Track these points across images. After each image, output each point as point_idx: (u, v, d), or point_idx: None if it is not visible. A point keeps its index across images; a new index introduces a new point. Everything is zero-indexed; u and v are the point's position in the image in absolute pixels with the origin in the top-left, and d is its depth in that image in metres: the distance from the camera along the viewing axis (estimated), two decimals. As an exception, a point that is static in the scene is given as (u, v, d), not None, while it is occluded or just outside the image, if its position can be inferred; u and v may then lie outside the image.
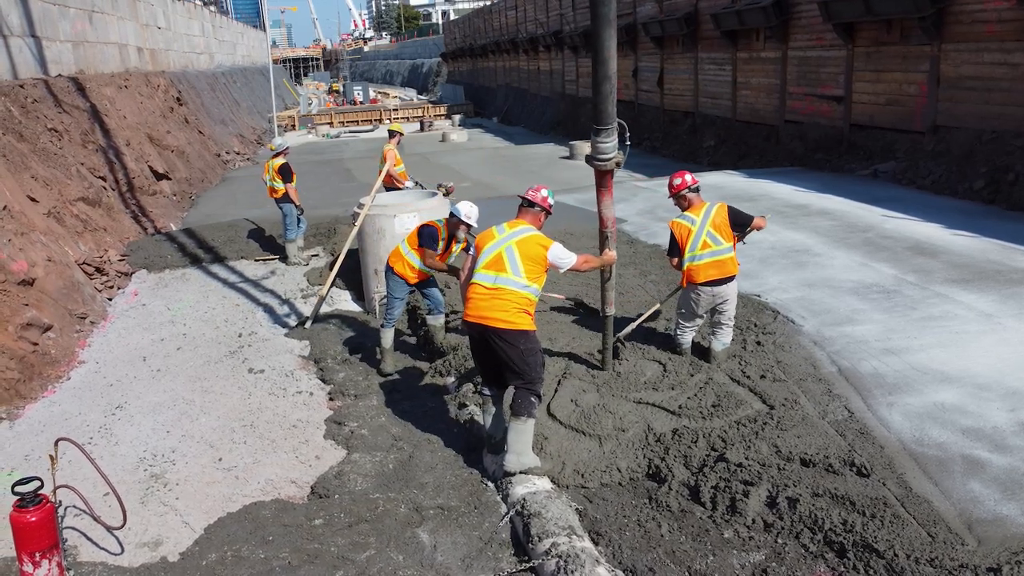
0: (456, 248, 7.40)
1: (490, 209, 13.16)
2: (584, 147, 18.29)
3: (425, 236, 7.18)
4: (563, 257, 5.23)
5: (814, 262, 8.95)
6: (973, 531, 4.11)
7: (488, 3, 51.41)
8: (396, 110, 43.29)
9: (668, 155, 21.88)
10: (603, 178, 5.79)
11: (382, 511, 5.05)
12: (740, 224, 6.30)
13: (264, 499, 5.38)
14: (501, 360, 5.14)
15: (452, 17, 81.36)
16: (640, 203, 13.24)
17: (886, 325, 6.89)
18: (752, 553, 4.26)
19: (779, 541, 4.29)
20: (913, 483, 4.54)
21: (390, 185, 11.51)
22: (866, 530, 4.11)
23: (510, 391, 5.22)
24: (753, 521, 4.46)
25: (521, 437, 5.08)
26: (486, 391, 5.47)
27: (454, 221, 7.01)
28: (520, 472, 5.09)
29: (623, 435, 5.46)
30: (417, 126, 37.90)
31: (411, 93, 67.79)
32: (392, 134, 12.02)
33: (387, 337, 7.46)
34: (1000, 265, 8.28)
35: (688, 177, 6.38)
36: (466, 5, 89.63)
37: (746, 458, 4.91)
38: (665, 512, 4.74)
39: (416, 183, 12.46)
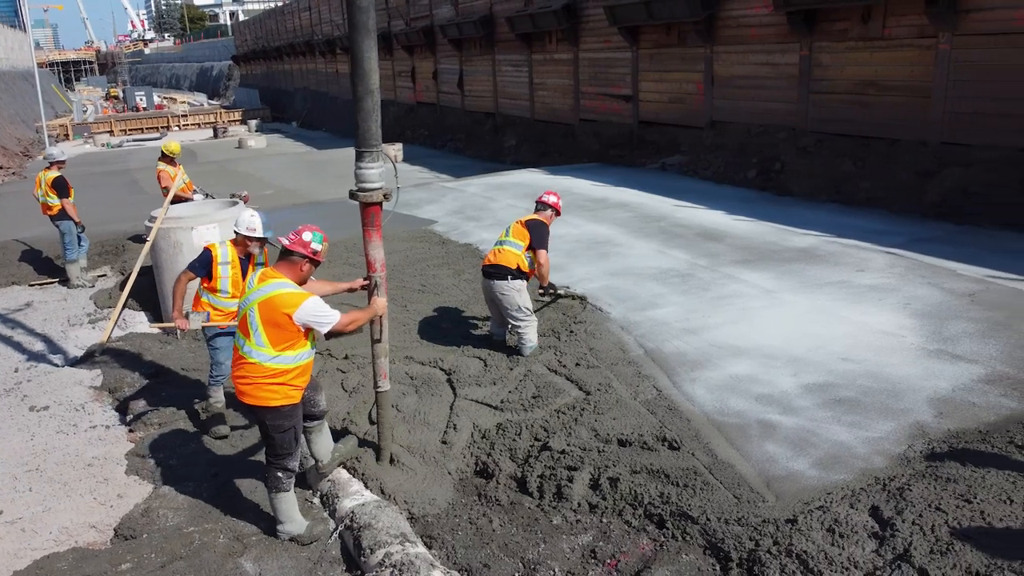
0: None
1: (297, 217, 12.72)
2: (391, 149, 18.14)
3: (194, 261, 6.09)
4: (318, 317, 4.29)
5: (616, 252, 9.44)
6: (771, 488, 4.50)
7: (280, 3, 49.60)
8: (185, 116, 40.71)
9: (473, 155, 22.21)
10: (369, 213, 4.70)
11: (199, 545, 4.71)
12: (531, 238, 6.63)
13: (59, 550, 4.83)
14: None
15: (242, 18, 77.73)
16: (449, 203, 13.34)
17: (684, 307, 7.39)
18: (580, 536, 4.40)
19: (604, 520, 4.47)
20: (718, 451, 4.90)
21: (181, 197, 10.77)
22: (681, 500, 4.38)
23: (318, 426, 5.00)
24: (579, 504, 4.61)
25: (281, 506, 4.67)
26: None
27: (239, 239, 5.93)
28: (289, 540, 4.71)
29: (449, 435, 5.46)
30: (210, 133, 35.85)
31: (201, 98, 63.97)
32: (163, 155, 11.38)
33: (215, 395, 6.28)
34: (776, 245, 9.16)
35: (543, 195, 7.04)
36: (256, 5, 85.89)
37: (568, 444, 5.07)
38: (495, 507, 4.79)
39: (206, 194, 11.77)
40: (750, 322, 6.90)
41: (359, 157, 4.62)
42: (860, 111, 11.72)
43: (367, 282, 4.88)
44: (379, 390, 5.08)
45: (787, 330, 6.64)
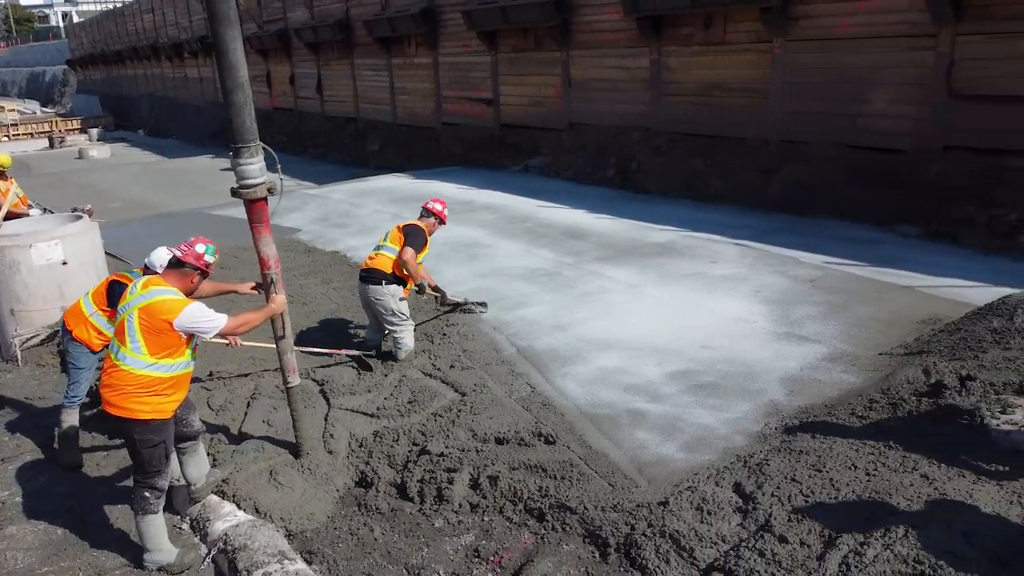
0: None
1: (149, 230, 12.06)
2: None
3: (117, 295, 5.50)
4: (201, 323, 4.19)
5: (484, 253, 9.55)
6: (644, 473, 4.70)
7: (120, 5, 46.80)
8: (15, 125, 37.57)
9: (335, 161, 21.81)
10: (255, 209, 4.62)
11: (55, 585, 4.38)
12: (405, 240, 6.46)
13: None
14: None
15: (76, 19, 72.69)
16: (313, 211, 13.04)
17: (553, 304, 7.58)
18: (463, 536, 4.43)
19: (486, 519, 4.52)
20: (592, 442, 5.07)
21: (15, 213, 9.94)
22: (559, 492, 4.49)
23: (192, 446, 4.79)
24: (460, 506, 4.64)
25: (149, 532, 4.41)
26: None
27: (150, 273, 5.19)
28: (157, 570, 4.46)
29: (327, 444, 5.36)
30: (46, 143, 33.31)
31: (33, 105, 59.11)
32: None
33: (69, 419, 5.67)
34: (636, 242, 9.55)
35: (429, 202, 6.90)
36: (91, 6, 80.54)
37: (446, 447, 5.09)
38: (376, 515, 4.74)
39: (44, 209, 10.93)
40: (616, 316, 7.16)
41: (236, 153, 4.50)
42: (707, 112, 12.40)
43: (255, 289, 4.81)
44: (289, 386, 5.06)
45: (650, 322, 6.95)
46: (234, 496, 4.94)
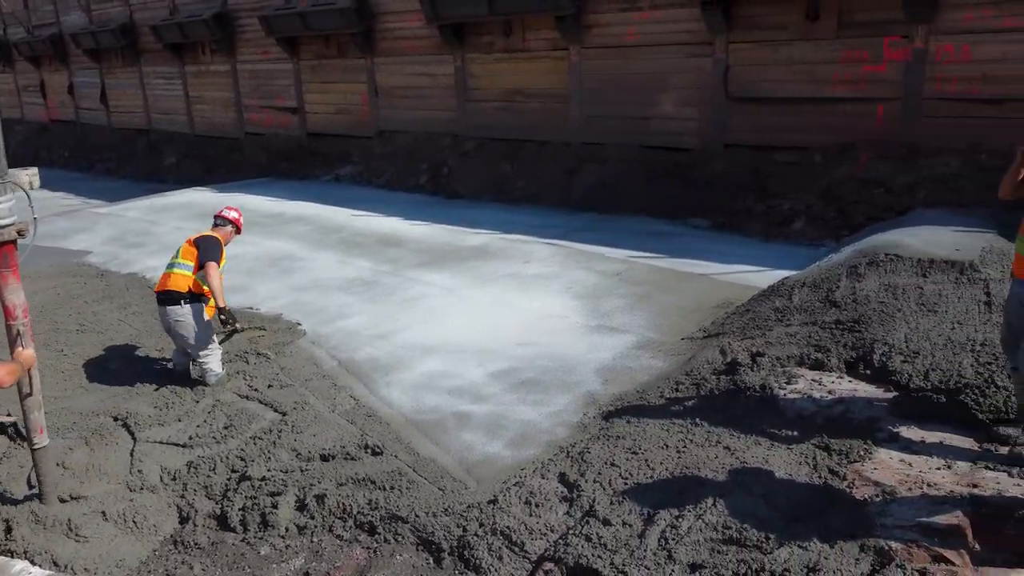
0: None
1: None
2: (24, 175, 15.73)
3: None
4: None
5: (299, 267, 9.25)
6: (472, 474, 4.76)
7: None
8: None
9: (127, 176, 20.24)
10: (2, 253, 4.18)
11: None
12: (199, 253, 5.99)
13: None
14: None
15: None
16: (105, 231, 12.03)
17: (372, 314, 7.48)
18: (292, 560, 4.27)
19: (315, 540, 4.38)
20: (420, 448, 5.06)
21: None
22: (389, 502, 4.45)
23: None
24: (287, 529, 4.47)
25: None
26: None
27: None
28: None
29: (133, 485, 4.96)
30: None
31: None
32: None
33: None
34: (451, 246, 9.65)
35: (223, 211, 6.54)
36: None
37: (268, 470, 4.89)
38: (195, 551, 4.46)
39: None
40: (436, 321, 7.20)
41: None
42: (512, 117, 12.78)
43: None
44: (36, 447, 4.54)
45: (470, 324, 7.04)
46: (25, 552, 4.45)
